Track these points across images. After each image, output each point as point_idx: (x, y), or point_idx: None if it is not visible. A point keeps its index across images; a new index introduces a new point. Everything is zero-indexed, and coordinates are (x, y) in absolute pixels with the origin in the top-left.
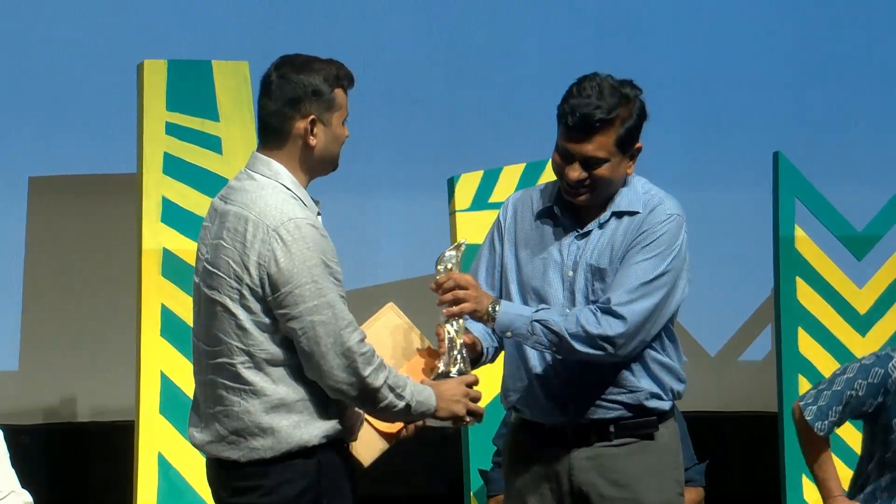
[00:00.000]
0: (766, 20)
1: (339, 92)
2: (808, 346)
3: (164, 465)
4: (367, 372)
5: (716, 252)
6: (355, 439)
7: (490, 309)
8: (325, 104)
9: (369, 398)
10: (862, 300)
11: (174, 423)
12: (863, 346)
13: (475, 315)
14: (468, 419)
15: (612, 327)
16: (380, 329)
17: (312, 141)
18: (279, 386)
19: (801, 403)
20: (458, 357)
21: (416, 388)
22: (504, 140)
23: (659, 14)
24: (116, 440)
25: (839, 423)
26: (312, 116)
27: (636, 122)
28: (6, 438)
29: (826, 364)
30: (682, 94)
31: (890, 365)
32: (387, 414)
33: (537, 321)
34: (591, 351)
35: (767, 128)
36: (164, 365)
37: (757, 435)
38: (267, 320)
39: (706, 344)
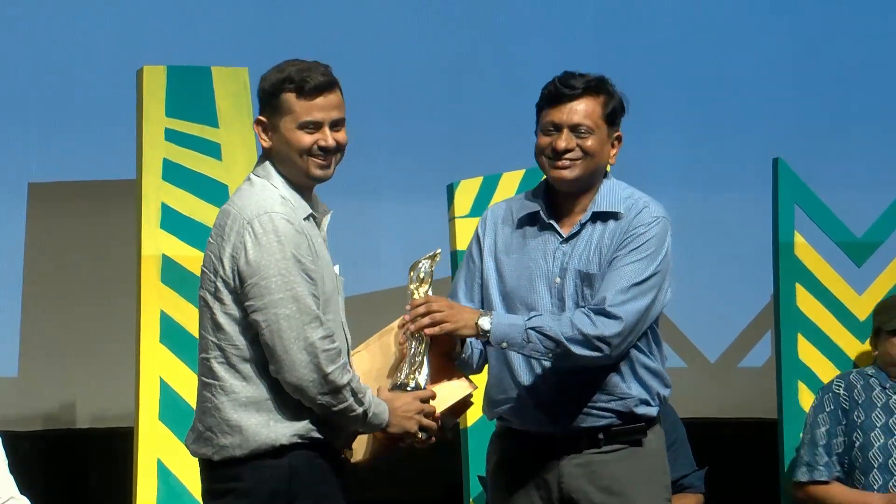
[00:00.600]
0: (766, 25)
1: (287, 96)
2: (807, 352)
3: (163, 472)
4: (330, 369)
5: (715, 257)
6: (347, 445)
7: (478, 322)
8: (272, 107)
9: (330, 397)
10: (862, 307)
11: (173, 430)
12: (862, 353)
13: (458, 333)
14: (420, 436)
15: (607, 328)
16: (389, 341)
17: (264, 143)
18: (248, 384)
19: (793, 476)
20: (419, 370)
21: (375, 400)
22: (504, 146)
23: (660, 19)
24: (116, 446)
25: (835, 465)
26: (259, 117)
27: (619, 105)
28: (5, 444)
29: (826, 370)
30: (682, 97)
31: (833, 384)
32: (341, 418)
33: (532, 329)
34: (588, 353)
35: (767, 132)
36: (164, 371)
37: (756, 441)
38: (237, 313)
39: (706, 350)
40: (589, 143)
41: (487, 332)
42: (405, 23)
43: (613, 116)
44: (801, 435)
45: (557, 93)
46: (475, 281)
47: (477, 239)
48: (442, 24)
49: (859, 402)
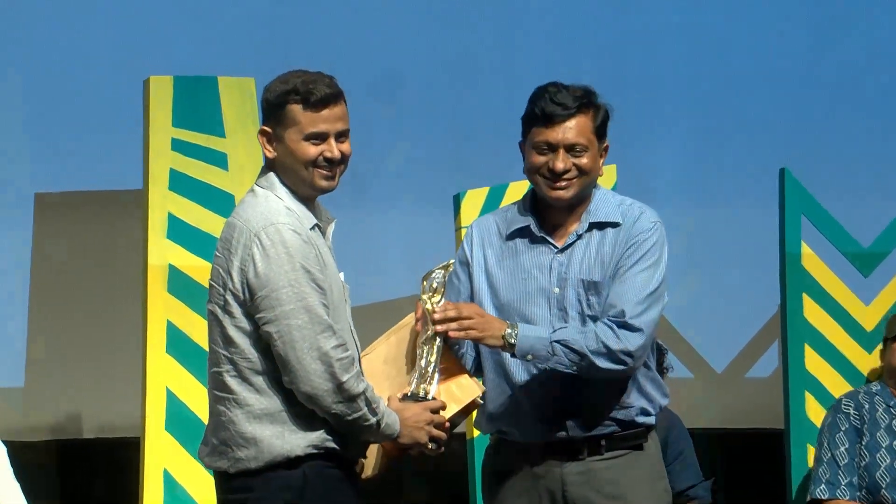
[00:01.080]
0: (771, 34)
1: (293, 107)
2: (814, 362)
3: (169, 482)
4: (344, 378)
5: (722, 267)
6: (361, 454)
7: (506, 334)
8: (277, 119)
9: (345, 406)
10: (868, 317)
11: (180, 440)
12: (869, 363)
13: (483, 342)
14: (430, 446)
15: (631, 341)
16: (405, 335)
17: (268, 153)
18: (262, 396)
19: (810, 494)
20: (429, 381)
21: (387, 410)
22: (511, 155)
23: (663, 31)
24: (122, 456)
25: (856, 486)
26: (263, 128)
27: (606, 115)
28: (12, 454)
29: (833, 381)
30: (686, 108)
31: (842, 404)
32: (355, 428)
33: (557, 342)
34: (613, 366)
35: (773, 143)
36: (170, 381)
37: (763, 452)
38: (248, 326)
39: (713, 361)
40: (584, 160)
41: (514, 344)
42: (411, 34)
43: (603, 128)
44: (816, 453)
45: (551, 113)
46: (461, 296)
47: (462, 255)
48: (447, 35)
49: (867, 421)
